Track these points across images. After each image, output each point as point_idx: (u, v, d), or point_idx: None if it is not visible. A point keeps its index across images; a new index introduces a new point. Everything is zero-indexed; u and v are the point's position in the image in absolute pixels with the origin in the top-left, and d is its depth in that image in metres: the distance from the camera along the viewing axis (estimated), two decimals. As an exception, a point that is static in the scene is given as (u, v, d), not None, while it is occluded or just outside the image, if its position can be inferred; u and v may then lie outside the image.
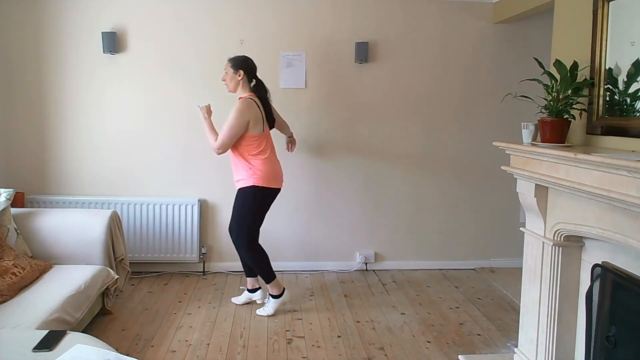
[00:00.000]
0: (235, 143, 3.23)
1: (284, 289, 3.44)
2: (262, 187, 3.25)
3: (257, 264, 3.38)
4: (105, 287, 3.08)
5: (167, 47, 4.01)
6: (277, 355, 2.90)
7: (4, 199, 3.02)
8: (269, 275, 3.38)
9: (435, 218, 4.38)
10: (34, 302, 2.52)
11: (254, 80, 3.33)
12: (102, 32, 3.87)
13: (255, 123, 3.20)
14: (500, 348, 3.04)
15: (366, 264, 4.34)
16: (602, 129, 2.32)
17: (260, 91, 3.33)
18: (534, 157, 2.39)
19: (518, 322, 2.75)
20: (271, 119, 3.39)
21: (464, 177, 4.33)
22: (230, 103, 4.08)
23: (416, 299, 3.75)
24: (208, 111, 3.37)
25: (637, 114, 2.14)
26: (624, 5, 2.20)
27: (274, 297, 3.40)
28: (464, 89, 4.25)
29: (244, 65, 3.27)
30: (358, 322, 3.36)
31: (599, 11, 2.29)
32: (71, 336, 2.05)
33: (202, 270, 4.19)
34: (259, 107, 3.25)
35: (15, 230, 3.04)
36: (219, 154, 3.29)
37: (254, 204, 3.30)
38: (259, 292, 3.53)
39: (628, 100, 2.21)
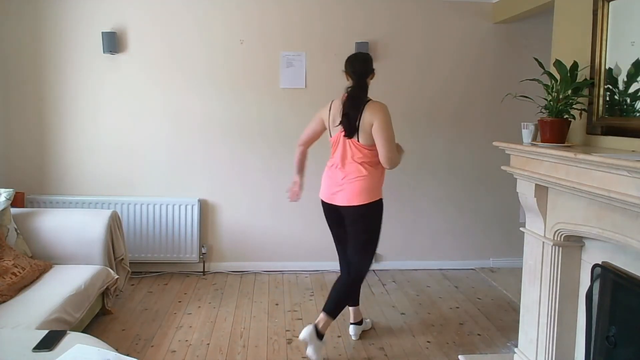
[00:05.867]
0: None
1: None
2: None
3: None
4: (105, 287, 3.08)
5: (167, 47, 4.01)
6: (277, 355, 2.90)
7: (4, 199, 3.02)
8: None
9: (435, 218, 4.38)
10: (34, 302, 2.52)
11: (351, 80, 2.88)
12: (102, 32, 3.88)
13: (329, 125, 2.94)
14: (500, 348, 3.03)
15: (366, 264, 4.34)
16: (602, 129, 2.32)
17: (352, 91, 2.84)
18: (534, 157, 2.39)
19: (518, 322, 2.75)
20: (350, 124, 2.80)
21: (464, 177, 4.33)
22: (232, 102, 4.11)
23: (416, 299, 3.75)
24: None
25: (637, 114, 2.14)
26: (624, 5, 2.20)
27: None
28: (464, 89, 4.25)
29: (345, 63, 2.91)
30: (358, 322, 3.36)
31: (599, 11, 2.29)
32: (71, 336, 2.05)
33: (202, 270, 4.18)
34: (330, 110, 2.91)
35: (15, 230, 3.04)
36: (298, 143, 3.09)
37: None
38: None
39: (628, 100, 2.20)
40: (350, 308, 3.17)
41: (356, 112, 2.78)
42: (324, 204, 2.98)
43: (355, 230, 2.90)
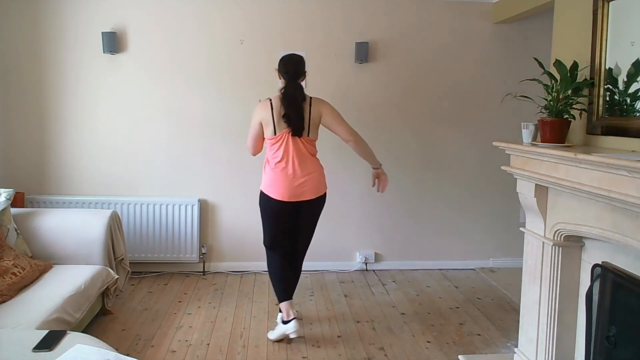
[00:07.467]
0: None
1: (291, 320, 3.02)
2: (262, 192, 3.05)
3: (269, 272, 3.20)
4: (105, 287, 3.08)
5: (167, 47, 4.01)
6: (277, 355, 2.90)
7: (4, 199, 3.02)
8: (277, 294, 3.12)
9: (435, 218, 4.38)
10: (34, 302, 2.52)
11: (285, 80, 2.99)
12: (102, 32, 3.88)
13: (266, 125, 2.96)
14: (500, 348, 3.04)
15: (366, 264, 4.35)
16: (602, 129, 2.32)
17: (286, 91, 2.95)
18: (534, 157, 2.39)
19: (518, 322, 2.75)
20: (297, 124, 2.92)
21: (464, 177, 4.33)
22: (232, 102, 4.11)
23: (416, 299, 3.75)
24: None
25: (637, 114, 2.14)
26: (624, 5, 2.20)
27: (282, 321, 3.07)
28: (464, 89, 4.25)
29: (279, 63, 3.04)
30: (358, 322, 3.36)
31: (599, 11, 2.29)
32: (71, 336, 2.05)
33: (202, 270, 4.18)
34: (272, 108, 2.93)
35: (15, 230, 3.04)
36: (252, 154, 3.16)
37: (260, 207, 3.11)
38: (292, 323, 3.02)
39: (628, 100, 2.20)
40: (286, 303, 3.04)
41: (299, 111, 2.92)
42: (281, 203, 2.97)
43: (310, 221, 3.12)
